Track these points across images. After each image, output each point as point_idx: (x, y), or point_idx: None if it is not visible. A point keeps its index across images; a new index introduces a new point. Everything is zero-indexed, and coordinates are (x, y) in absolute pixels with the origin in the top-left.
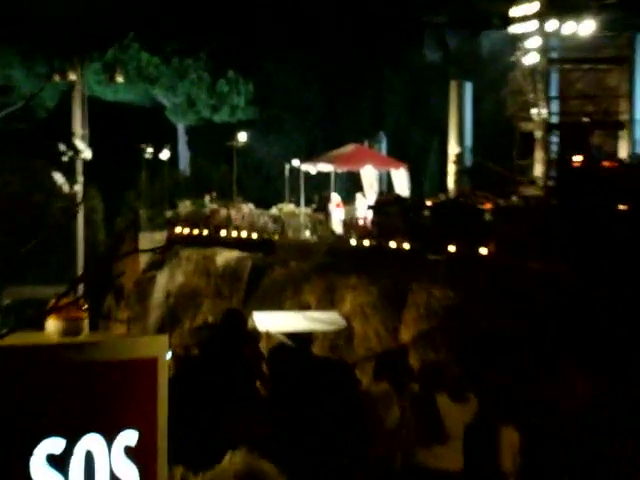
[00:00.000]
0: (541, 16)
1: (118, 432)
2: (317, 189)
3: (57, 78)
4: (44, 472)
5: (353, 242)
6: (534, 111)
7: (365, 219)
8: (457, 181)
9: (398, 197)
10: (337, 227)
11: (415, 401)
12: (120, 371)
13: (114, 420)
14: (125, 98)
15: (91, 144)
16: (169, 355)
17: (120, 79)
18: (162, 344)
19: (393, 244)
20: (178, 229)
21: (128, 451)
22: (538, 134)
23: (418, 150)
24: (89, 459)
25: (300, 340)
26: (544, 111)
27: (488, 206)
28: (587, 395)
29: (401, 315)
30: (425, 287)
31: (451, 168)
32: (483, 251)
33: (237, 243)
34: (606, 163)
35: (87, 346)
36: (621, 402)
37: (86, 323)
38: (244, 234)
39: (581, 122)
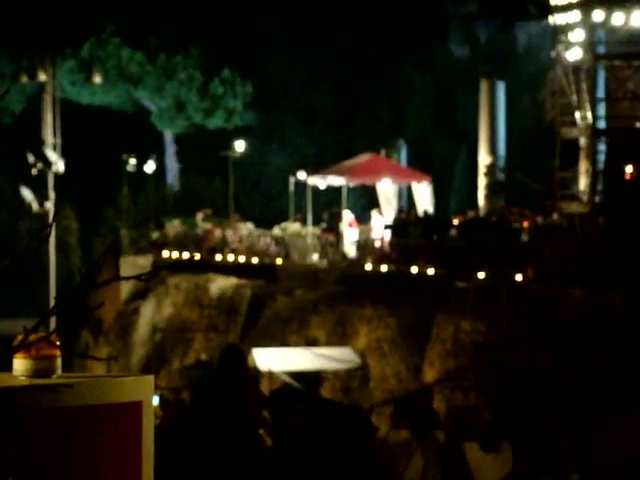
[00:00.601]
0: (586, 5)
1: None
2: (327, 206)
3: (24, 79)
4: None
5: (368, 267)
6: (578, 115)
7: (382, 240)
8: (488, 196)
9: (420, 215)
10: (350, 250)
11: (440, 452)
12: (98, 418)
13: (91, 475)
14: (104, 101)
15: (64, 155)
16: (156, 399)
17: (98, 79)
18: (147, 386)
19: (414, 269)
20: (165, 253)
21: None
22: (583, 141)
23: (443, 161)
24: None
25: (307, 381)
26: (590, 115)
27: (525, 225)
28: None
29: (424, 352)
30: (452, 319)
31: (481, 181)
32: (519, 277)
33: (234, 269)
34: None
35: (60, 389)
36: None
37: (59, 362)
38: (242, 258)
39: (633, 127)
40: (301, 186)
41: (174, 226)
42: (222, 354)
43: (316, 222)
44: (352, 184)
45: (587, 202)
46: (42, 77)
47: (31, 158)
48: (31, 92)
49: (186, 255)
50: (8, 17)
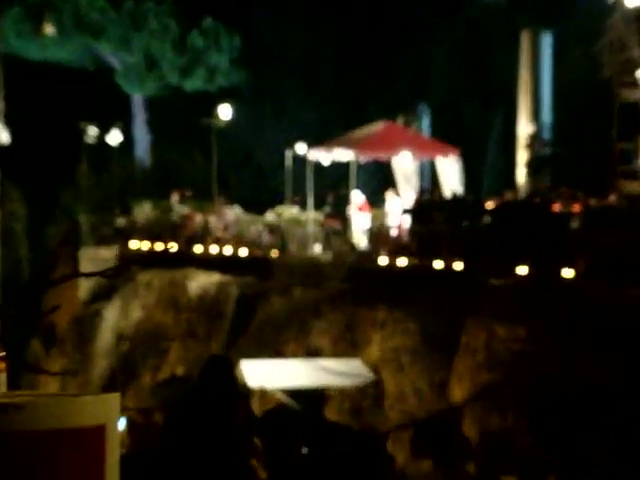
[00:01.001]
0: None
1: None
2: (332, 186)
3: None
4: None
5: (383, 261)
6: None
7: (400, 228)
8: (530, 174)
9: (447, 197)
10: (360, 239)
11: None
12: (51, 445)
13: None
14: (57, 57)
15: (8, 123)
16: (122, 423)
17: (50, 30)
18: (112, 407)
19: (439, 264)
20: (134, 243)
21: None
22: None
23: (475, 130)
24: None
25: (308, 400)
26: None
27: (575, 209)
28: None
29: (451, 364)
30: (485, 324)
31: (522, 155)
32: (568, 273)
33: (218, 263)
34: None
35: (5, 410)
36: None
37: (3, 378)
38: (228, 250)
39: None
40: (300, 162)
41: (144, 211)
42: (205, 367)
43: (318, 206)
44: (363, 159)
45: None
46: None
47: None
48: None
49: (159, 246)
50: None
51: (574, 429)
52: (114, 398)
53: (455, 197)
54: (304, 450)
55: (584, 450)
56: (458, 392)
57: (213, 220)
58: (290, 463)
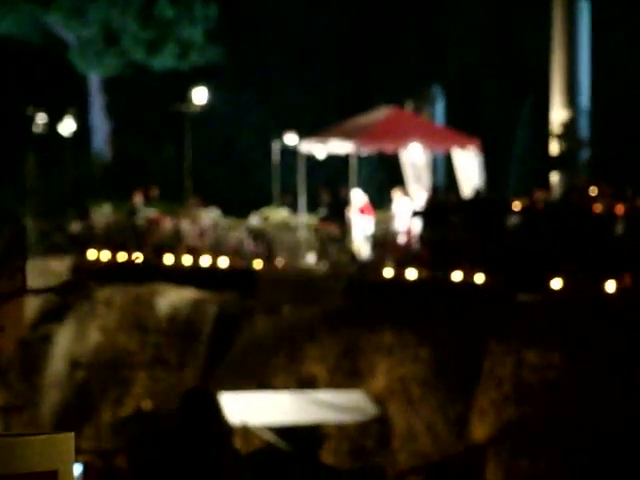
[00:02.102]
0: None
1: None
2: (327, 184)
3: None
4: None
5: (389, 272)
6: None
7: (409, 233)
8: (565, 168)
9: (465, 196)
10: (361, 247)
11: None
12: None
13: None
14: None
15: None
16: (78, 468)
17: None
18: (65, 449)
19: (457, 276)
20: (92, 253)
21: None
22: None
23: (498, 117)
24: None
25: (300, 440)
26: None
27: (620, 210)
28: None
29: (471, 397)
30: (513, 349)
31: (555, 146)
32: (611, 287)
33: (192, 276)
34: None
35: None
36: None
37: None
38: (205, 261)
39: None
40: (290, 155)
41: (104, 214)
42: (183, 402)
43: (312, 208)
44: (365, 152)
45: None
46: None
47: None
48: None
49: (122, 256)
50: None
51: (619, 475)
52: (68, 438)
53: (475, 196)
54: None
55: None
56: (480, 430)
57: (186, 225)
58: None
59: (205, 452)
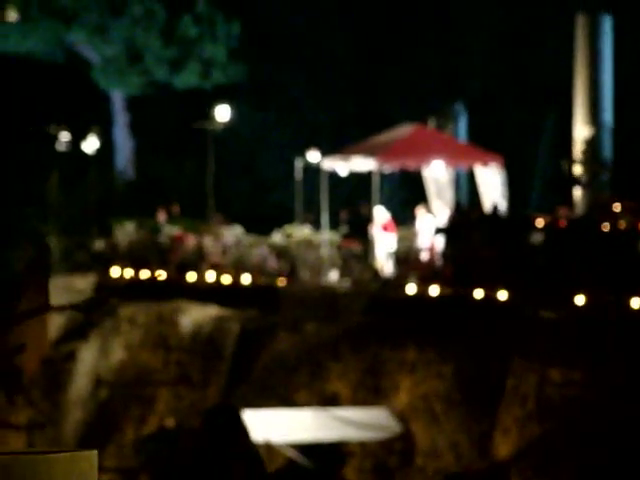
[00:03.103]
0: None
1: None
2: (350, 201)
3: None
4: None
5: (411, 289)
6: None
7: (432, 250)
8: (589, 185)
9: (488, 214)
10: (384, 264)
11: None
12: None
13: None
14: (22, 48)
15: None
16: None
17: (13, 16)
18: (88, 467)
19: (479, 293)
20: (115, 271)
21: None
22: None
23: (521, 134)
24: None
25: (323, 457)
26: None
27: None
28: None
29: (495, 414)
30: (535, 366)
31: (579, 163)
32: (635, 304)
33: (215, 293)
34: None
35: None
36: None
37: None
38: (227, 278)
39: None
40: (312, 172)
41: (127, 231)
42: (207, 418)
43: (334, 225)
44: (387, 169)
45: None
46: None
47: None
48: None
49: (145, 274)
50: None
51: None
52: (91, 456)
53: (497, 213)
54: None
55: None
56: (504, 447)
57: (208, 242)
58: None
59: (231, 469)
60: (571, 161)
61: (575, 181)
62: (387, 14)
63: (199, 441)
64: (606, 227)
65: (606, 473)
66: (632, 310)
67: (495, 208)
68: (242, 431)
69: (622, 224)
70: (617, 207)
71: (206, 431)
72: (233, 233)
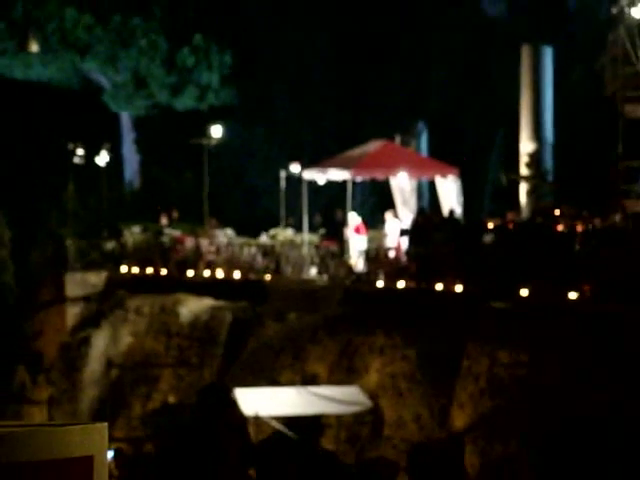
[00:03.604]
0: None
1: None
2: (327, 207)
3: None
4: None
5: (380, 283)
6: None
7: (398, 249)
8: (532, 193)
9: (446, 217)
10: (357, 262)
11: None
12: (36, 477)
13: None
14: (43, 75)
15: None
16: (111, 454)
17: (34, 47)
18: (100, 437)
19: (439, 286)
20: (123, 268)
21: None
22: None
23: (475, 148)
24: None
25: (304, 429)
26: None
27: (579, 229)
28: None
29: (452, 391)
30: (487, 349)
31: (524, 173)
32: (573, 295)
33: (210, 287)
34: None
35: None
36: None
37: None
38: (220, 274)
39: None
40: (295, 182)
41: (134, 234)
42: (201, 396)
43: (314, 228)
44: (359, 179)
45: None
46: None
47: None
48: None
49: (150, 270)
50: None
51: (582, 461)
52: (102, 428)
53: (454, 217)
54: None
55: None
56: (460, 419)
57: (204, 243)
58: None
59: (217, 441)
60: (509, 173)
61: (516, 189)
62: (360, 49)
63: (194, 415)
64: (547, 229)
65: (549, 443)
66: (569, 301)
67: (452, 213)
68: (230, 406)
69: (561, 227)
70: (557, 212)
71: (200, 406)
72: (226, 234)
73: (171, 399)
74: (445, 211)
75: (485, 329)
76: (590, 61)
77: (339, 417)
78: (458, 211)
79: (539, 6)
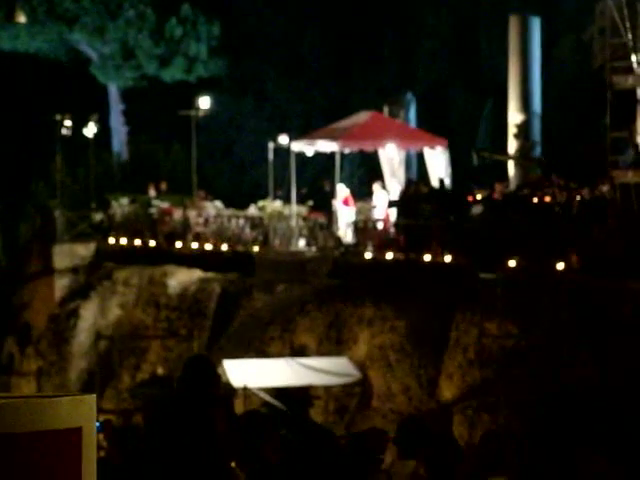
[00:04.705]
0: None
1: None
2: (315, 179)
3: None
4: None
5: (369, 255)
6: (634, 59)
7: (386, 221)
8: (521, 164)
9: (434, 189)
10: (345, 233)
11: None
12: (25, 449)
13: None
14: (30, 47)
15: None
16: (99, 426)
17: (22, 18)
18: (88, 409)
19: (427, 257)
20: (111, 239)
21: None
22: None
23: (463, 119)
24: None
25: (293, 400)
26: None
27: (568, 200)
28: None
29: (441, 362)
30: (475, 320)
31: (512, 145)
32: (560, 266)
33: (198, 259)
34: None
35: None
36: None
37: None
38: (209, 246)
39: None
40: (283, 153)
41: (122, 205)
42: (186, 367)
43: (302, 199)
44: (347, 150)
45: None
46: None
47: None
48: None
49: (138, 242)
50: None
51: (569, 429)
52: (91, 399)
53: (443, 188)
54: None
55: (580, 452)
56: (448, 390)
57: (193, 215)
58: (270, 464)
59: (203, 412)
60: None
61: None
62: (349, 20)
63: (179, 386)
64: (534, 200)
65: (535, 410)
66: (557, 271)
67: (441, 185)
68: (214, 377)
69: (548, 198)
70: (546, 182)
71: (185, 378)
72: (214, 206)
73: (160, 371)
74: (433, 182)
75: (473, 300)
76: (578, 32)
77: (328, 388)
78: (447, 182)
79: None
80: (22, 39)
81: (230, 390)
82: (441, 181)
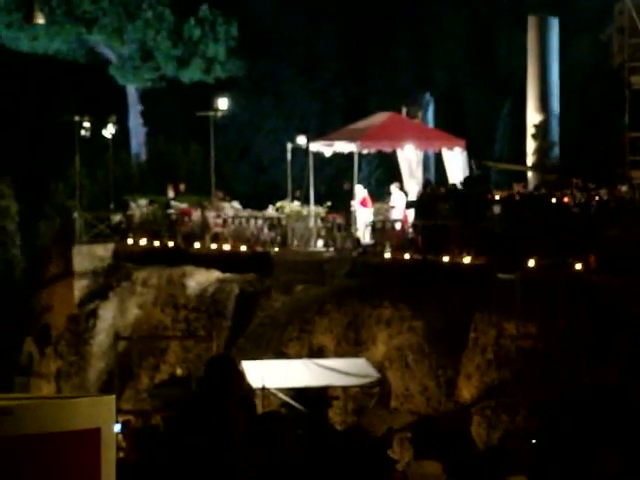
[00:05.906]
0: None
1: None
2: (334, 179)
3: None
4: None
5: (387, 255)
6: None
7: (404, 221)
8: (539, 164)
9: (452, 189)
10: (364, 234)
11: None
12: (44, 450)
13: None
14: (49, 48)
15: None
16: (118, 426)
17: (40, 20)
18: (107, 410)
19: (446, 258)
20: (130, 240)
21: None
22: None
23: (481, 120)
24: None
25: (311, 401)
26: None
27: (585, 200)
28: None
29: (459, 362)
30: (494, 320)
31: (530, 145)
32: (578, 267)
33: (217, 259)
34: None
35: None
36: None
37: None
38: (227, 246)
39: None
40: (301, 154)
41: (141, 206)
42: (209, 367)
43: (320, 200)
44: (365, 151)
45: None
46: None
47: None
48: None
49: (157, 243)
50: None
51: (587, 429)
52: (109, 400)
53: (461, 189)
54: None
55: (597, 452)
56: (466, 391)
57: (211, 216)
58: (291, 465)
59: (224, 413)
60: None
61: (523, 160)
62: (367, 20)
63: (201, 386)
64: (553, 200)
65: (553, 413)
66: (576, 271)
67: (462, 184)
68: (237, 378)
69: (567, 198)
70: (564, 183)
71: (207, 378)
72: (232, 207)
73: (178, 371)
74: (452, 183)
75: (492, 301)
76: (596, 32)
77: (346, 389)
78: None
79: None
80: (41, 40)
81: (250, 390)
82: (465, 181)
